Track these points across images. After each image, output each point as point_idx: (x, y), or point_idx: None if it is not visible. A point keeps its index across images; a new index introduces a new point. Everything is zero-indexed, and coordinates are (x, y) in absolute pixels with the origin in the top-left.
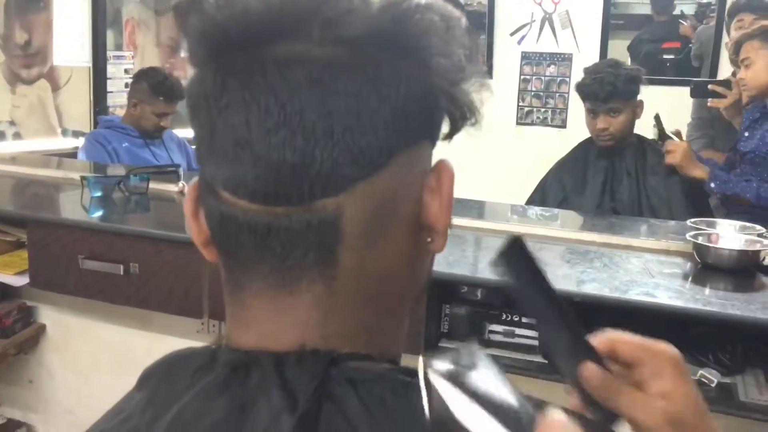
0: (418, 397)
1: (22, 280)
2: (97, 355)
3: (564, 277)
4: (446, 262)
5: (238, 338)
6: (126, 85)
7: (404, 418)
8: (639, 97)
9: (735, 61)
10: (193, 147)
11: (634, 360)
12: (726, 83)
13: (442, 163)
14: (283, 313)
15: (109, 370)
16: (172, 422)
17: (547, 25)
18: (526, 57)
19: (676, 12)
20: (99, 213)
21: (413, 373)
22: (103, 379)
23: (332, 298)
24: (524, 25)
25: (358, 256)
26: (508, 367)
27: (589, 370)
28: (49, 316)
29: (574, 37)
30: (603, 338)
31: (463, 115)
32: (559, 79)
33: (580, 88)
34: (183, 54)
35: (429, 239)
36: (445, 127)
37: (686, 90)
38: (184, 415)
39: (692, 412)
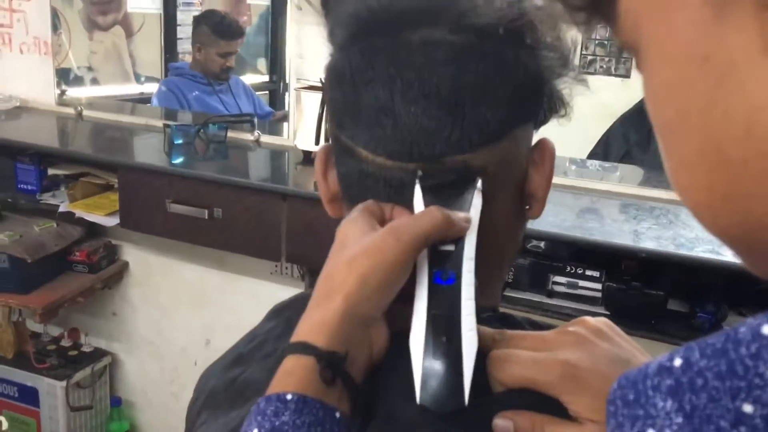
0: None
1: (112, 221)
2: (176, 291)
3: (629, 232)
4: None
5: None
6: None
7: None
8: None
9: None
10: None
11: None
12: None
13: (545, 141)
14: None
15: (187, 305)
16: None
17: None
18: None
19: None
20: (182, 160)
21: (513, 320)
22: (181, 312)
23: None
24: None
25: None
26: (570, 317)
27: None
28: (131, 254)
29: None
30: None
31: (554, 107)
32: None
33: None
34: (323, 32)
35: (527, 206)
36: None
37: None
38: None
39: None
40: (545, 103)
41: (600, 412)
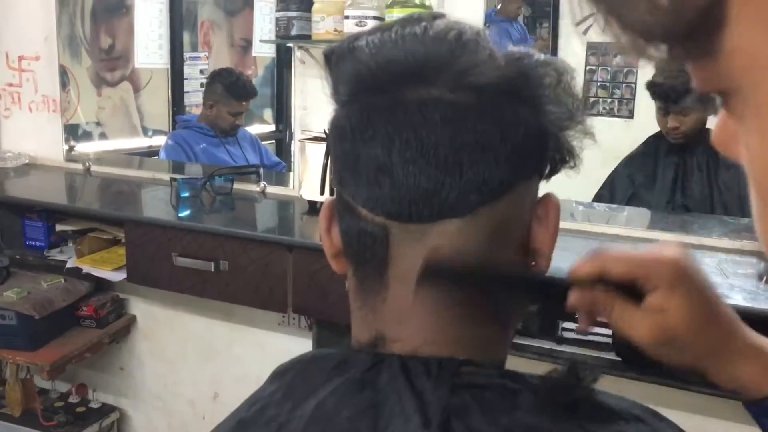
0: (524, 401)
1: (119, 276)
2: (183, 345)
3: None
4: None
5: (363, 339)
6: (201, 85)
7: (518, 425)
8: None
9: None
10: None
11: (629, 277)
12: None
13: (549, 196)
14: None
15: (194, 358)
16: (312, 413)
17: None
18: (592, 47)
19: None
20: (189, 212)
21: (517, 377)
22: (189, 366)
23: (450, 308)
24: (590, 15)
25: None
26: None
27: (572, 296)
28: (139, 307)
29: None
30: (592, 261)
31: (563, 158)
32: (626, 69)
33: (652, 87)
34: (327, 93)
35: (533, 262)
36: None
37: None
38: (324, 407)
39: (686, 327)
40: (552, 156)
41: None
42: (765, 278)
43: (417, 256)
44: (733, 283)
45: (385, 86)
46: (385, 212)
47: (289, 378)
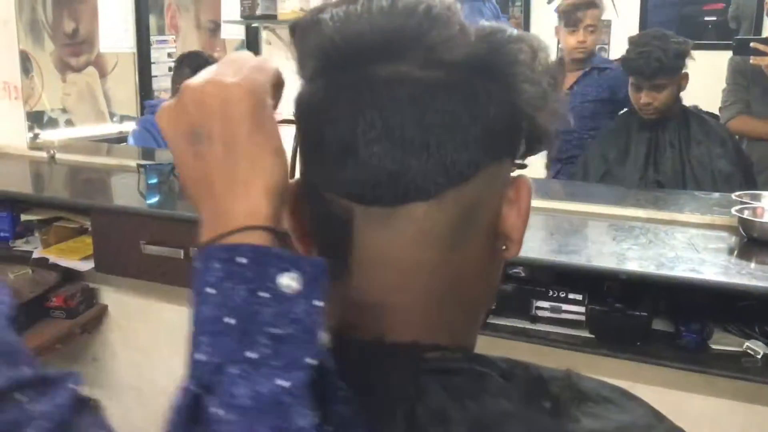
0: (492, 385)
1: (87, 265)
2: (156, 334)
3: (610, 254)
4: None
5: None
6: (169, 69)
7: (485, 410)
8: (684, 69)
9: None
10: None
11: None
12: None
13: (521, 178)
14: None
15: (168, 348)
16: None
17: None
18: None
19: None
20: (156, 199)
21: (485, 361)
22: (163, 356)
23: (415, 292)
24: None
25: (441, 256)
26: (555, 342)
27: None
28: (110, 297)
29: (613, 2)
30: None
31: (539, 140)
32: (598, 46)
33: (626, 62)
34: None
35: (504, 247)
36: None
37: (727, 54)
38: None
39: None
40: (526, 138)
41: None
42: (736, 252)
43: (382, 240)
44: (704, 258)
45: (350, 62)
46: (349, 195)
47: None
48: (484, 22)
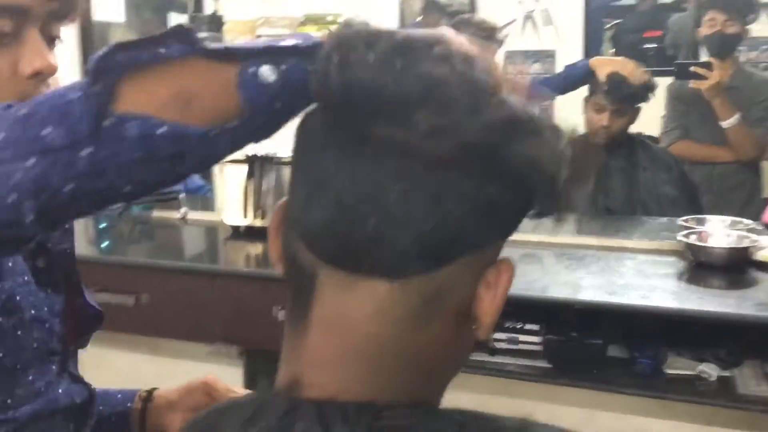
0: None
1: None
2: (110, 383)
3: (564, 284)
4: None
5: (282, 382)
6: None
7: None
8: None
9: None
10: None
11: None
12: (707, 65)
13: (505, 263)
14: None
15: None
16: None
17: (529, 23)
18: (510, 55)
19: (659, 1)
20: (106, 244)
21: (442, 415)
22: None
23: (374, 360)
24: (506, 24)
25: (401, 334)
26: (513, 374)
27: None
28: None
29: (557, 33)
30: None
31: (553, 210)
32: (543, 75)
33: (613, 83)
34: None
35: (474, 326)
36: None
37: (668, 80)
38: None
39: None
40: (543, 209)
41: None
42: (684, 277)
43: (341, 305)
44: (654, 284)
45: (348, 115)
46: (318, 251)
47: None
48: (510, 105)
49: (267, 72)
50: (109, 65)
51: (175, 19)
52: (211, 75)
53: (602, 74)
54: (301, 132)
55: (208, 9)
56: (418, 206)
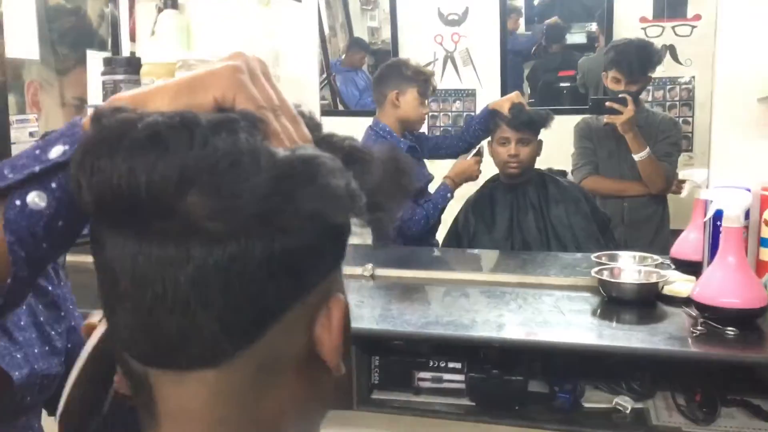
0: None
1: None
2: None
3: (484, 322)
4: (372, 317)
5: None
6: None
7: None
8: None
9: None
10: None
11: None
12: (622, 100)
13: (333, 300)
14: None
15: None
16: None
17: (449, 63)
18: (433, 94)
19: (569, 42)
20: None
21: None
22: None
23: None
24: (428, 64)
25: (246, 409)
26: (437, 413)
27: None
28: None
29: (476, 73)
30: None
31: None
32: (465, 113)
33: (501, 117)
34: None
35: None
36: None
37: (580, 117)
38: None
39: None
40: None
41: None
42: (598, 313)
43: (179, 399)
44: (570, 320)
45: (119, 219)
46: (134, 356)
47: None
48: (279, 159)
49: (35, 199)
50: None
51: (92, 56)
52: None
53: (504, 108)
54: (91, 240)
55: (125, 49)
56: (211, 289)
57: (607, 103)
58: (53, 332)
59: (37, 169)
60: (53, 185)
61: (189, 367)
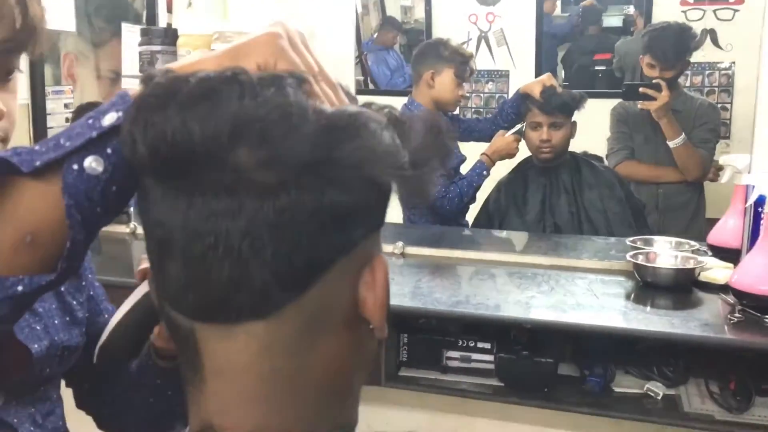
0: None
1: None
2: None
3: (515, 303)
4: (401, 294)
5: (194, 428)
6: (66, 120)
7: None
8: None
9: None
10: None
11: None
12: (656, 86)
13: (377, 260)
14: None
15: None
16: None
17: (483, 44)
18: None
19: (606, 25)
20: None
21: None
22: None
23: (278, 395)
24: (462, 44)
25: (293, 362)
26: (465, 392)
27: None
28: None
29: (510, 54)
30: None
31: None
32: (497, 95)
33: (532, 100)
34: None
35: (371, 326)
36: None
37: (616, 101)
38: None
39: None
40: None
41: None
42: (632, 297)
43: (227, 353)
44: (603, 304)
45: (171, 171)
46: (182, 311)
47: None
48: (326, 114)
49: (93, 164)
50: None
51: (127, 29)
52: (39, 199)
53: (536, 92)
54: (139, 196)
55: (162, 21)
56: (264, 239)
57: (641, 89)
58: (74, 302)
59: (94, 134)
60: (109, 150)
61: (238, 319)
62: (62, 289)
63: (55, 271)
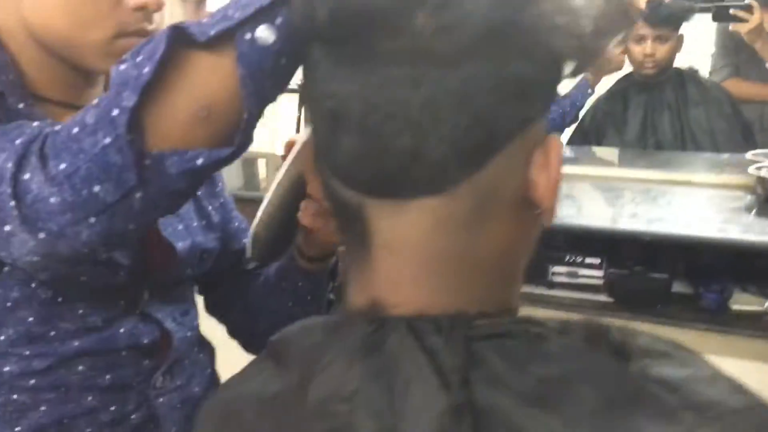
0: (549, 344)
1: None
2: None
3: (631, 216)
4: None
5: (360, 304)
6: None
7: (546, 371)
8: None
9: None
10: None
11: None
12: (747, 7)
13: (551, 140)
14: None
15: None
16: (315, 390)
17: None
18: None
19: None
20: None
21: (536, 322)
22: None
23: (450, 267)
24: None
25: (463, 241)
26: (573, 307)
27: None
28: None
29: None
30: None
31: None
32: None
33: (642, 11)
34: None
35: (537, 211)
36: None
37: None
38: (330, 383)
39: None
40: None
41: None
42: (755, 211)
43: (397, 229)
44: (724, 217)
45: (350, 39)
46: (354, 186)
47: (287, 352)
48: None
49: (265, 33)
50: (124, 79)
51: None
52: (213, 72)
53: (641, 2)
54: (306, 67)
55: None
56: (445, 110)
57: (731, 11)
58: (210, 207)
59: (266, 1)
60: (278, 20)
61: (412, 194)
62: (198, 193)
63: (231, 144)
